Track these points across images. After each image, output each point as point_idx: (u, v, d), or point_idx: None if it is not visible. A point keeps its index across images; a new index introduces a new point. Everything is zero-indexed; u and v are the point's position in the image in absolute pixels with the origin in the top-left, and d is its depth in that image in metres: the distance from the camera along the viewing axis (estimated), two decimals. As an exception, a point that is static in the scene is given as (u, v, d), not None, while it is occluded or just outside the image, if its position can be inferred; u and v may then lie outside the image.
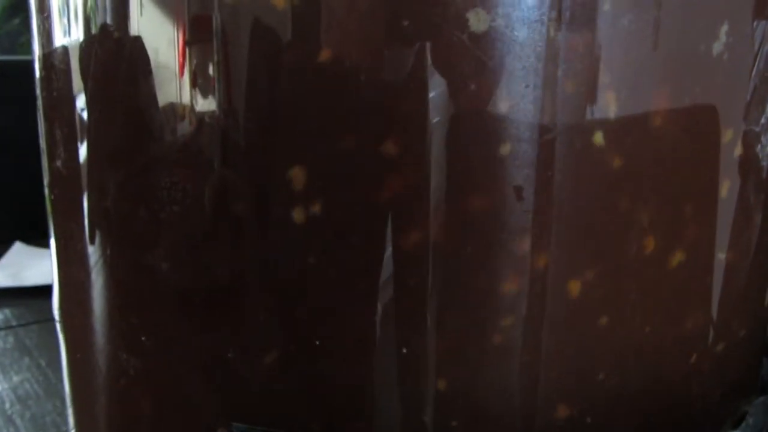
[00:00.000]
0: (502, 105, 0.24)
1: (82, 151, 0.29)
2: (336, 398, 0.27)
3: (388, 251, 0.26)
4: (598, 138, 0.25)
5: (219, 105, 0.26)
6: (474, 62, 0.24)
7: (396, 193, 0.25)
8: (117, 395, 0.30)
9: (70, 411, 0.34)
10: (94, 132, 0.29)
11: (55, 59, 0.30)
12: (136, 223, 0.28)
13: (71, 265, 0.31)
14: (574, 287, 0.27)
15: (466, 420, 0.27)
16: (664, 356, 0.29)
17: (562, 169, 0.25)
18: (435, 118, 0.25)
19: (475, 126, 0.25)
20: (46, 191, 0.32)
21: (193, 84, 0.26)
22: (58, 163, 0.30)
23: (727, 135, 0.28)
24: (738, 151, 0.29)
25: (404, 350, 0.26)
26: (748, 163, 0.29)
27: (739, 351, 0.32)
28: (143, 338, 0.29)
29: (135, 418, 0.30)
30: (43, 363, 0.56)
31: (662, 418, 0.30)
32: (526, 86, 0.24)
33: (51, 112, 0.31)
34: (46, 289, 0.65)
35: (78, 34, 0.29)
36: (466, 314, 0.26)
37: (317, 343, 0.27)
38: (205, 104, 0.26)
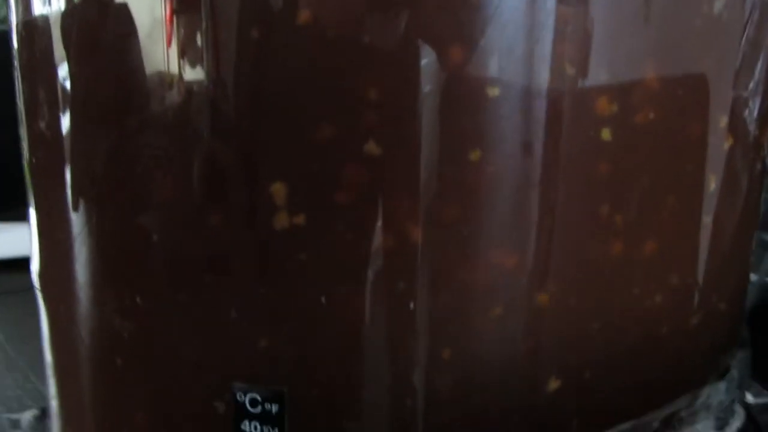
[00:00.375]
0: (498, 68, 0.25)
1: (67, 115, 0.29)
2: (331, 368, 0.27)
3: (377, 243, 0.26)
4: (596, 105, 0.26)
5: (207, 74, 0.26)
6: (476, 22, 0.24)
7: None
8: (108, 361, 0.30)
9: (51, 382, 0.34)
10: (79, 102, 0.28)
11: (35, 25, 0.29)
12: (128, 184, 0.27)
13: (55, 230, 0.30)
14: (543, 299, 0.27)
15: (460, 380, 0.28)
16: (647, 322, 0.30)
17: (561, 136, 0.26)
18: (426, 86, 0.25)
19: (466, 97, 0.25)
20: (26, 156, 0.31)
21: (182, 53, 0.26)
22: (42, 125, 0.29)
23: (716, 99, 0.29)
24: (725, 117, 0.29)
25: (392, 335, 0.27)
26: (735, 129, 0.30)
27: (723, 313, 0.33)
28: (138, 300, 0.28)
29: (128, 383, 0.29)
30: (1, 338, 0.54)
31: (653, 372, 0.31)
32: (529, 47, 0.24)
33: (32, 74, 0.30)
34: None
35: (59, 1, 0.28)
36: (453, 307, 0.27)
37: (310, 326, 0.27)
38: (194, 73, 0.26)
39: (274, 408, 0.27)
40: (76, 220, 0.29)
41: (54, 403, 0.34)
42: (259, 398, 0.27)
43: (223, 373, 0.28)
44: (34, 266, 0.33)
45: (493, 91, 0.25)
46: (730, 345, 0.33)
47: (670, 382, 0.31)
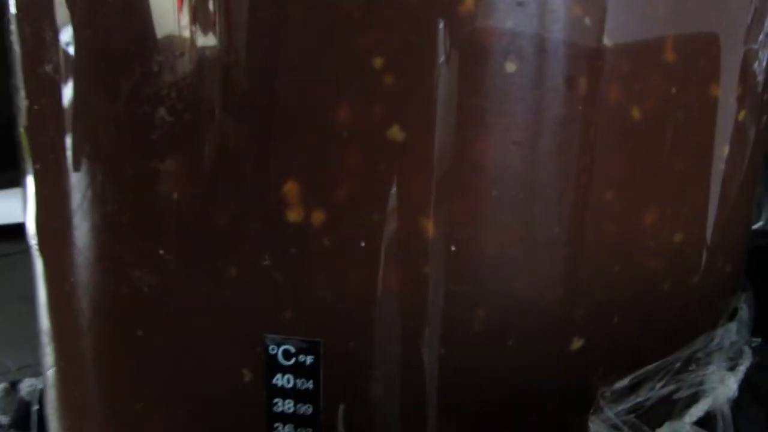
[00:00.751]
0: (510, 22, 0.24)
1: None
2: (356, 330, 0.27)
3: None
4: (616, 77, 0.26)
5: (220, 40, 0.25)
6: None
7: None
8: (124, 318, 0.28)
9: (48, 350, 0.32)
10: (83, 66, 0.27)
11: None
12: (148, 133, 0.26)
13: (58, 182, 0.28)
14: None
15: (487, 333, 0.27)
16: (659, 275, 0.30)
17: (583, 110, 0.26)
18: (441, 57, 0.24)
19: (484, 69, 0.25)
20: (25, 103, 0.29)
21: (193, 18, 0.25)
22: (48, 68, 0.27)
23: (728, 58, 0.29)
24: (737, 75, 0.29)
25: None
26: (745, 86, 0.30)
27: (730, 260, 0.33)
28: (161, 252, 0.27)
29: (147, 340, 0.28)
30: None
31: (668, 317, 0.31)
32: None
33: (35, 16, 0.28)
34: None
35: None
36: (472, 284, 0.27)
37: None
38: (206, 39, 0.25)
39: (309, 360, 0.26)
40: (86, 170, 0.27)
41: (50, 373, 0.32)
42: (292, 350, 0.26)
43: (252, 326, 0.27)
44: (31, 223, 0.31)
45: (511, 67, 0.25)
46: (736, 289, 0.34)
47: (687, 326, 0.32)
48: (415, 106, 0.24)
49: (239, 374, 0.27)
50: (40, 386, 0.36)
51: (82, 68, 0.27)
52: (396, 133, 0.24)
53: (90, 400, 0.30)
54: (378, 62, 0.24)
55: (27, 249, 0.33)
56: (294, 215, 0.25)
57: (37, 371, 0.38)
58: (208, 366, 0.28)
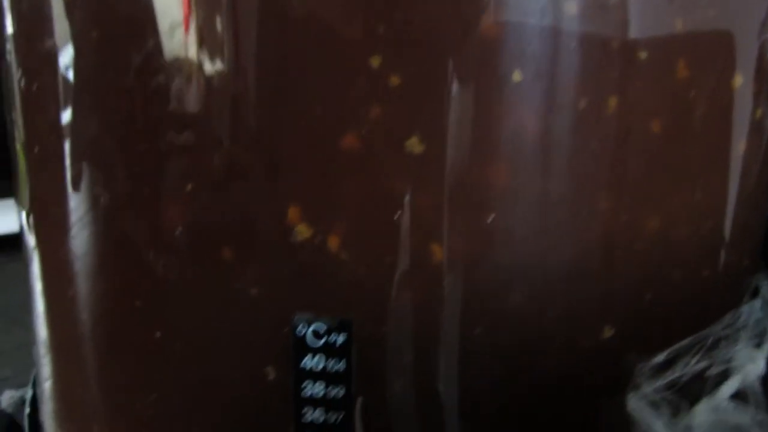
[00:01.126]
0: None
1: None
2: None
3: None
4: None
5: (228, 61, 0.24)
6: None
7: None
8: (138, 305, 0.26)
9: (44, 361, 0.29)
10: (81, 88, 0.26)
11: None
12: (159, 103, 0.25)
13: (62, 159, 0.27)
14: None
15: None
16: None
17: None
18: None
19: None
20: (21, 85, 0.27)
21: (200, 39, 0.24)
22: (48, 43, 0.26)
23: (743, 50, 0.28)
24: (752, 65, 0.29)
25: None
26: (762, 73, 0.29)
27: (750, 244, 0.33)
28: (179, 231, 0.25)
29: (163, 337, 0.26)
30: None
31: (692, 291, 0.30)
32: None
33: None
34: None
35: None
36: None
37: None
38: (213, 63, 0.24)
39: (340, 339, 0.25)
40: (93, 141, 0.26)
41: (47, 386, 0.30)
42: (322, 329, 0.25)
43: (277, 313, 0.25)
44: (24, 218, 0.29)
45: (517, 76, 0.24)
46: (757, 268, 0.33)
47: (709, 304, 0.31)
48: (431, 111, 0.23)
49: (263, 373, 0.25)
50: (27, 395, 0.33)
51: (85, 43, 0.25)
52: (415, 144, 0.23)
53: (98, 404, 0.28)
54: (376, 61, 0.23)
55: (6, 261, 0.31)
56: (304, 233, 0.24)
57: (16, 383, 0.36)
58: (230, 365, 0.26)
